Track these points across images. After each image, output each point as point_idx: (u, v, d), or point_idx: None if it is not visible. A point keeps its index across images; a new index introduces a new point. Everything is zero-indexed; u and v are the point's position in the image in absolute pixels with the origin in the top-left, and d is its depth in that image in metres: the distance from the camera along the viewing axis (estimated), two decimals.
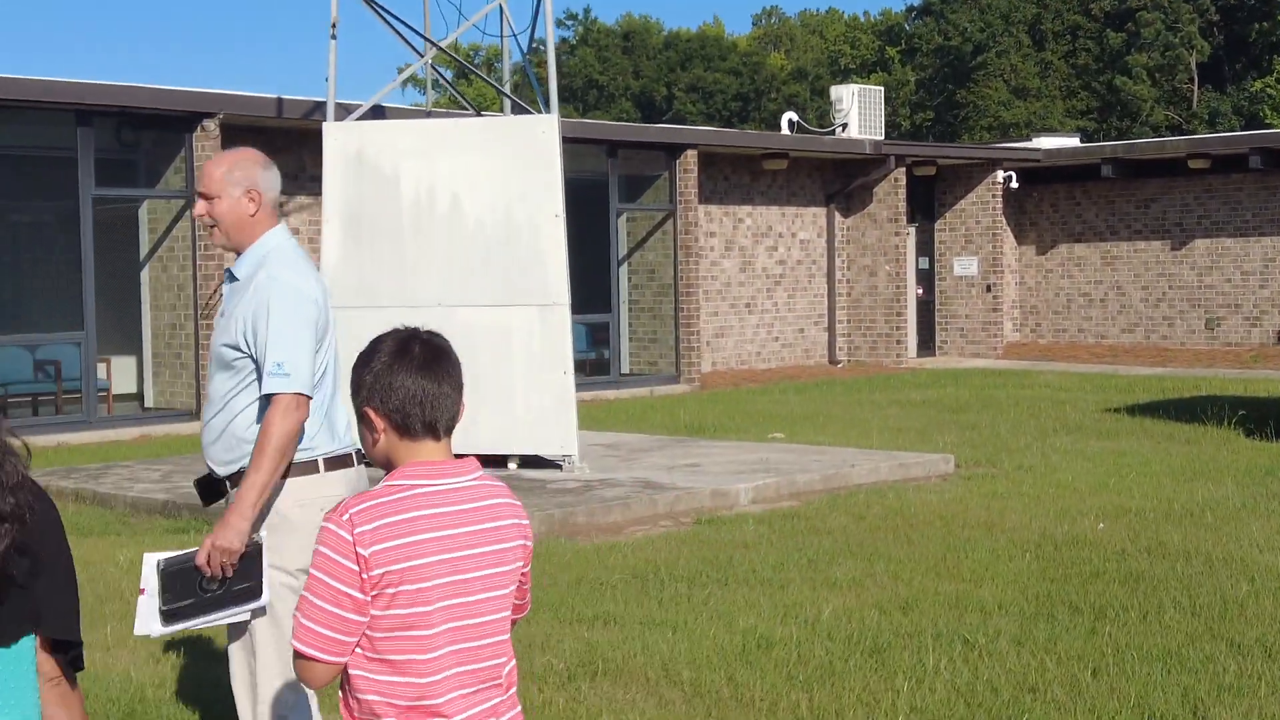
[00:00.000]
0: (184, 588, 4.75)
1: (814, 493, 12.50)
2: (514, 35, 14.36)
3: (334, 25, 14.12)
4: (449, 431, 3.17)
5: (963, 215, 29.09)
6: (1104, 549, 9.98)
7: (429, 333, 3.22)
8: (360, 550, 2.94)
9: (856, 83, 32.69)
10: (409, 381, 3.09)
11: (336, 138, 13.96)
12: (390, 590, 2.95)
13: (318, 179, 20.76)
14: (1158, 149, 28.57)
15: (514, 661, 3.21)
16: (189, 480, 13.48)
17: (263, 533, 4.81)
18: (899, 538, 10.42)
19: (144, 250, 19.68)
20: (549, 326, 13.29)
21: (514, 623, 3.25)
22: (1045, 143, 31.04)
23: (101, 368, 18.70)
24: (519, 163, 13.37)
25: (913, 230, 28.23)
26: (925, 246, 29.14)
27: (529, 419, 13.27)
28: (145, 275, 19.67)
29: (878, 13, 74.74)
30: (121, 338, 19.32)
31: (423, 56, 14.52)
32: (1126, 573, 9.26)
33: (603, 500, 11.65)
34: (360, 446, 3.65)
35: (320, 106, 19.66)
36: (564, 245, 13.30)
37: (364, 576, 2.94)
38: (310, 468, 5.00)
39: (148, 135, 19.32)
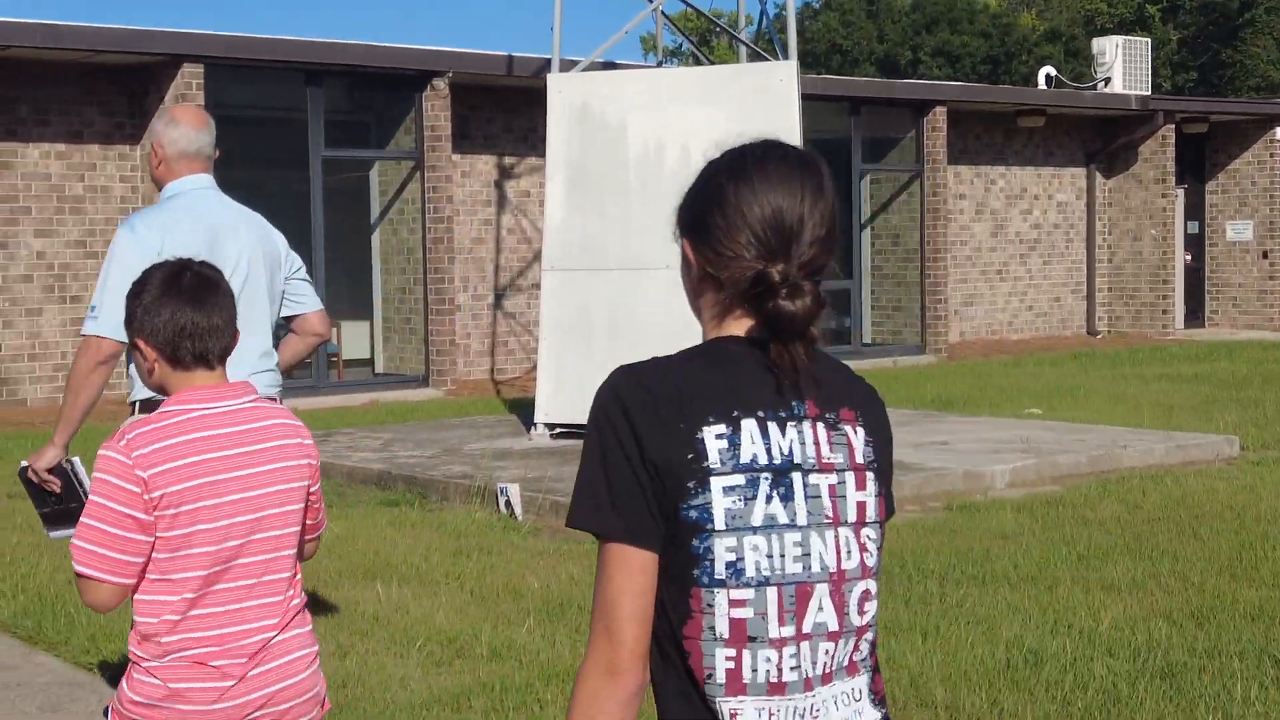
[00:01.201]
0: (36, 498, 5.19)
1: (1080, 476, 11.15)
2: None
3: None
4: (222, 360, 3.19)
5: (1237, 176, 27.03)
6: None
7: (201, 263, 3.24)
8: (139, 473, 2.97)
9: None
10: (179, 315, 3.08)
11: (561, 90, 13.09)
12: (171, 511, 2.99)
13: (544, 140, 20.16)
14: None
15: (299, 576, 3.26)
16: (408, 450, 12.84)
17: (75, 458, 5.05)
18: (1183, 532, 9.05)
19: (374, 213, 19.14)
20: None
21: (311, 541, 3.36)
22: None
23: (332, 333, 18.17)
24: (755, 112, 12.29)
25: (1181, 192, 26.26)
26: (1195, 210, 27.11)
27: None
28: (375, 239, 19.14)
29: None
30: (352, 303, 18.80)
31: (651, 3, 13.49)
32: None
33: None
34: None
35: (546, 67, 18.91)
36: None
37: (145, 498, 2.97)
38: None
39: (378, 95, 18.74)
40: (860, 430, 2.14)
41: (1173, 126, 25.43)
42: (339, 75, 17.92)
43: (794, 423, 2.08)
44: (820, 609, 2.06)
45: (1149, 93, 26.15)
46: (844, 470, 2.10)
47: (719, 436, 2.03)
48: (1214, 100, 29.04)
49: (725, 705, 2.03)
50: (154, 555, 3.00)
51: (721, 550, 2.01)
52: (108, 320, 4.82)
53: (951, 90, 23.62)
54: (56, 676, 6.66)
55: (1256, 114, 27.00)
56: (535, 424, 13.04)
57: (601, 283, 12.82)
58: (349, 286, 18.70)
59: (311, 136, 17.61)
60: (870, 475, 2.14)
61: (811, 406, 2.09)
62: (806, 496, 2.06)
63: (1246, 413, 14.59)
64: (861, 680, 2.16)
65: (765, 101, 12.30)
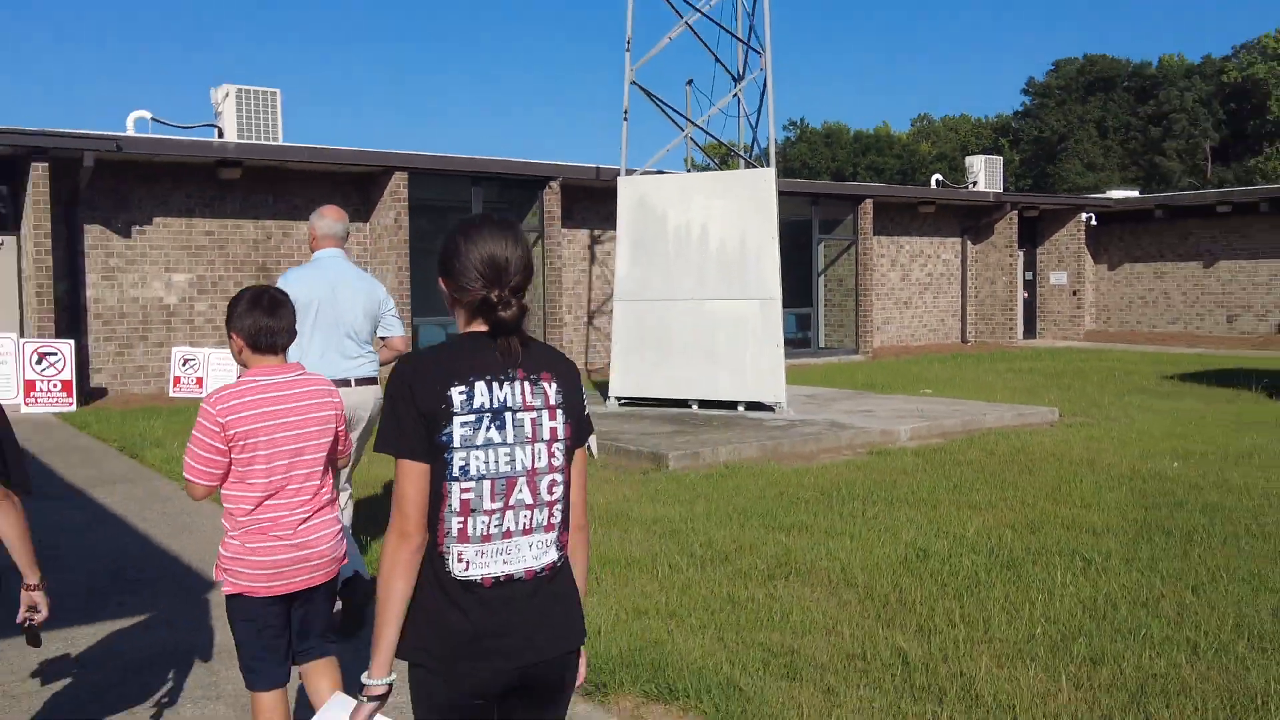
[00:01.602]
0: None
1: (956, 434, 10.67)
2: (748, 116, 12.80)
3: (625, 111, 12.84)
4: (284, 350, 3.20)
5: (1057, 243, 26.16)
6: (1181, 483, 8.01)
7: (275, 289, 3.24)
8: (219, 418, 3.05)
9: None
10: (259, 320, 3.14)
11: (626, 188, 12.71)
12: (239, 441, 3.06)
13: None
14: (1196, 198, 25.29)
15: (330, 484, 3.26)
16: None
17: None
18: (1022, 470, 8.59)
19: None
20: (767, 314, 11.79)
21: (342, 459, 3.35)
22: (1115, 194, 28.06)
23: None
24: (748, 202, 11.90)
25: (1021, 253, 25.40)
26: (1030, 264, 26.26)
27: (753, 377, 11.82)
28: None
29: (993, 115, 70.26)
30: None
31: (683, 131, 13.10)
32: (1203, 504, 7.32)
33: (801, 435, 10.08)
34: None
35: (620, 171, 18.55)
36: (777, 259, 11.79)
37: (223, 434, 3.05)
38: None
39: (514, 192, 18.43)
40: (554, 384, 2.29)
41: (1016, 212, 24.60)
42: (491, 178, 17.63)
43: (509, 382, 2.23)
44: (520, 491, 2.23)
45: (1001, 191, 25.40)
46: (541, 409, 2.25)
47: (460, 392, 2.18)
48: (1044, 195, 28.20)
49: (455, 548, 2.19)
50: (233, 468, 3.09)
51: (457, 460, 2.18)
52: None
53: (877, 189, 23.03)
54: None
55: (1069, 204, 26.07)
56: (610, 397, 12.70)
57: (649, 309, 12.45)
58: None
59: None
60: (560, 412, 2.28)
61: (520, 372, 2.25)
62: (514, 426, 2.22)
63: (1063, 393, 14.00)
64: (553, 535, 2.28)
65: (755, 195, 11.89)
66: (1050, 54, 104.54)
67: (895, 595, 5.30)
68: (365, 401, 5.30)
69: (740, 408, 11.96)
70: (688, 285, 12.17)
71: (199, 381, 10.93)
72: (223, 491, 3.14)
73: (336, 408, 3.26)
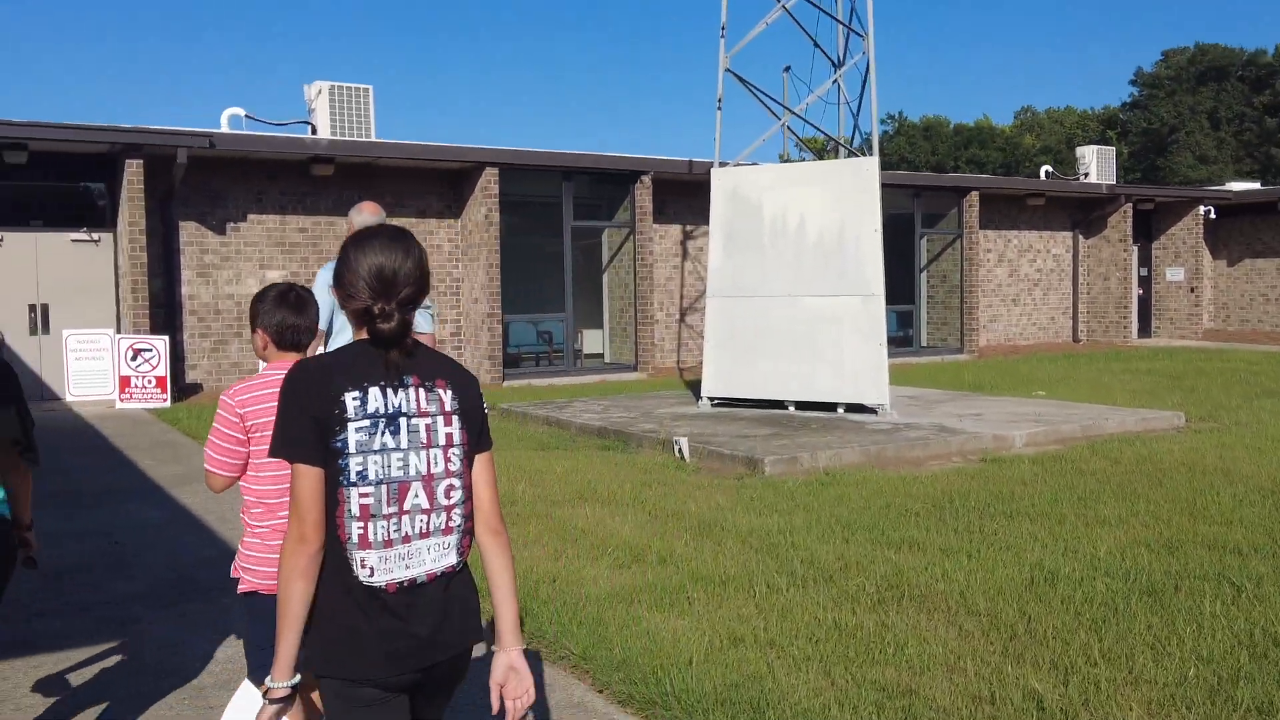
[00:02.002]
0: None
1: (1075, 440, 9.90)
2: (848, 103, 12.17)
3: (719, 100, 12.32)
4: (306, 347, 3.13)
5: (1173, 238, 24.75)
6: None
7: (301, 286, 3.17)
8: (237, 410, 2.96)
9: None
10: (285, 317, 3.08)
11: (720, 179, 12.19)
12: (257, 434, 2.95)
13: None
14: None
15: None
16: (619, 412, 12.11)
17: None
18: (1151, 481, 7.82)
19: (604, 262, 18.47)
20: (869, 310, 11.16)
21: None
22: (1235, 186, 26.54)
23: (578, 336, 17.60)
24: (848, 192, 11.28)
25: (1135, 248, 24.14)
26: (1145, 260, 24.90)
27: (854, 377, 11.21)
28: (605, 278, 18.47)
29: (1100, 107, 67.53)
30: (590, 317, 18.16)
31: (779, 120, 12.52)
32: None
33: (907, 439, 9.45)
34: None
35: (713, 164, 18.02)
36: (880, 252, 11.15)
37: (242, 425, 2.96)
38: None
39: (606, 186, 18.05)
40: (449, 391, 2.27)
41: (1130, 205, 23.36)
42: (582, 173, 17.28)
43: (403, 389, 2.21)
44: (416, 496, 2.21)
45: (1114, 183, 24.13)
46: (436, 415, 2.25)
47: (354, 398, 2.16)
48: (1158, 187, 26.77)
49: (358, 555, 2.16)
50: (250, 459, 2.98)
51: (354, 465, 2.15)
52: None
53: (983, 181, 22.03)
54: None
55: (1186, 196, 24.68)
56: (702, 397, 12.20)
57: (744, 305, 11.92)
58: (588, 308, 18.05)
59: (565, 213, 17.04)
60: (456, 418, 2.27)
61: (415, 379, 2.24)
62: (409, 431, 2.20)
63: (1186, 396, 13.03)
64: (452, 538, 2.26)
65: (857, 184, 11.27)
66: (1159, 44, 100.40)
67: (1023, 625, 4.70)
68: None
69: (840, 409, 11.36)
70: (784, 280, 11.61)
71: None
72: (242, 485, 3.05)
73: None
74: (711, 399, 12.13)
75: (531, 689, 2.32)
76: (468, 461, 2.30)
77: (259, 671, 2.96)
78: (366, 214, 5.61)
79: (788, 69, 12.88)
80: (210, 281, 14.93)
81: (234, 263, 15.08)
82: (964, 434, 9.72)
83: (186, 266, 14.74)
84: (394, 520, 2.19)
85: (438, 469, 2.24)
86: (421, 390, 2.24)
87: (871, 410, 11.24)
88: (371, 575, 2.17)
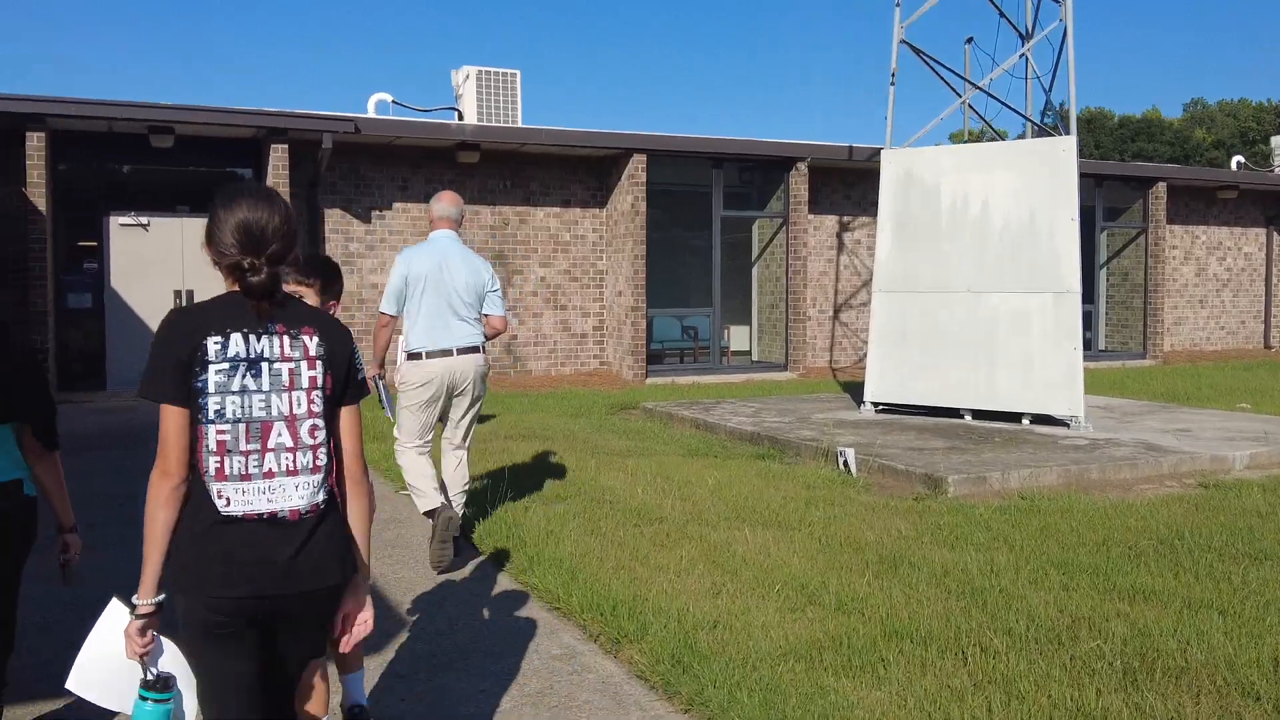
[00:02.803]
0: (384, 399, 5.91)
1: None
2: (1038, 78, 10.87)
3: (893, 74, 11.19)
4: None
5: None
6: None
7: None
8: None
9: None
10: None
11: (891, 162, 11.06)
12: None
13: (875, 205, 18.03)
14: None
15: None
16: (772, 417, 11.14)
17: (379, 378, 5.80)
18: None
19: (754, 254, 17.48)
20: (1062, 309, 9.87)
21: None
22: None
23: (724, 333, 16.66)
24: (1040, 176, 10.01)
25: None
26: None
27: (1043, 384, 9.94)
28: (754, 271, 17.49)
29: (1279, 99, 62.76)
30: (737, 313, 17.19)
31: (961, 97, 11.29)
32: None
33: (1111, 459, 8.18)
34: (427, 348, 5.69)
35: (877, 153, 16.80)
36: (1077, 243, 9.85)
37: None
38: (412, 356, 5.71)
39: (756, 174, 17.06)
40: (315, 338, 2.41)
41: None
42: (734, 160, 16.33)
43: (267, 335, 2.36)
44: (279, 435, 2.35)
45: None
46: (299, 360, 2.39)
47: (215, 343, 2.31)
48: None
49: (214, 486, 2.31)
50: None
51: (212, 404, 2.30)
52: (385, 301, 5.73)
53: (1172, 171, 20.10)
54: (502, 589, 5.27)
55: None
56: (864, 402, 11.12)
57: (916, 302, 10.78)
58: (735, 303, 17.08)
59: (714, 202, 16.13)
60: (320, 363, 2.41)
61: (280, 326, 2.38)
62: (270, 375, 2.35)
63: None
64: (318, 477, 2.39)
65: (1050, 167, 9.99)
66: None
67: None
68: (466, 368, 5.73)
69: (1024, 420, 10.11)
70: (964, 274, 10.43)
71: None
72: None
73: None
74: (875, 404, 11.04)
75: (371, 621, 2.53)
76: (332, 406, 2.44)
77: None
78: (445, 203, 5.85)
79: (970, 41, 11.64)
80: (355, 270, 14.60)
81: (378, 251, 14.73)
82: (1175, 453, 8.38)
83: (332, 254, 14.43)
84: (254, 456, 2.32)
85: (300, 410, 2.37)
86: (286, 337, 2.37)
87: (1061, 423, 9.96)
88: (228, 505, 2.31)
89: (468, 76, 15.64)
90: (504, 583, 5.37)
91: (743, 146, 15.97)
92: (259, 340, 2.36)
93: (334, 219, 14.48)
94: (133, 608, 2.35)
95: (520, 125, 15.09)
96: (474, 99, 15.51)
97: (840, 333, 17.92)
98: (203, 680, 2.38)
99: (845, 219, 17.88)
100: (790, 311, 16.50)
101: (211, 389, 2.31)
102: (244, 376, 2.33)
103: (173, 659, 2.42)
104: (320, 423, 2.40)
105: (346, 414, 2.48)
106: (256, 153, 14.12)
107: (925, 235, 10.71)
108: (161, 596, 2.34)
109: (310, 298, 3.35)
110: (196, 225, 13.88)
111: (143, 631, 2.34)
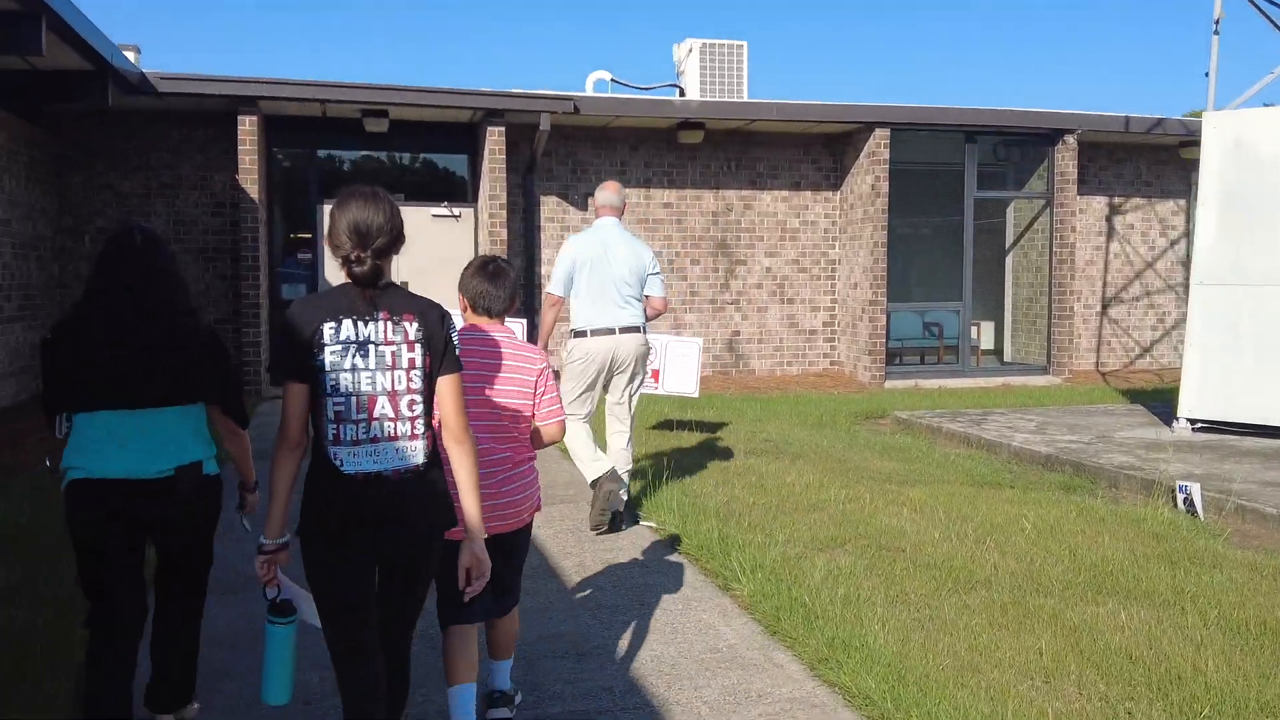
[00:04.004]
0: None
1: None
2: None
3: (1217, 22, 9.22)
4: (500, 316, 3.42)
5: None
6: None
7: (500, 258, 3.49)
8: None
9: None
10: (481, 284, 3.41)
11: (1215, 126, 9.12)
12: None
13: (1151, 184, 15.74)
14: None
15: (527, 442, 3.44)
16: (1063, 434, 9.39)
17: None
18: None
19: (1008, 241, 15.55)
20: None
21: (537, 426, 3.46)
22: None
23: (973, 330, 14.84)
24: None
25: None
26: None
27: None
28: (1008, 260, 15.56)
29: None
30: (983, 307, 15.31)
31: None
32: None
33: None
34: (592, 326, 6.02)
35: (1158, 123, 14.57)
36: None
37: None
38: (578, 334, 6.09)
39: (1014, 149, 15.12)
40: (415, 324, 2.79)
41: None
42: (990, 133, 14.48)
43: (372, 321, 2.75)
44: (383, 408, 2.74)
45: None
46: (400, 344, 2.77)
47: (330, 327, 2.71)
48: None
49: (332, 449, 2.72)
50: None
51: (328, 380, 2.70)
52: (553, 284, 6.09)
53: None
54: (796, 689, 3.96)
55: None
56: (1177, 418, 9.24)
57: (1250, 297, 8.83)
58: (983, 296, 15.21)
59: (967, 181, 14.33)
60: (419, 345, 2.79)
61: (385, 314, 2.76)
62: (376, 355, 2.74)
63: None
64: (416, 443, 2.78)
65: None
66: None
67: None
68: (627, 346, 6.05)
69: None
70: None
71: (654, 375, 9.10)
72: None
73: (536, 374, 3.43)
74: (1192, 421, 9.15)
75: (488, 571, 2.93)
76: (430, 382, 2.82)
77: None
78: (609, 192, 6.20)
79: None
80: None
81: None
82: None
83: (547, 245, 13.56)
84: (363, 425, 2.73)
85: (400, 387, 2.76)
86: (389, 323, 2.77)
87: None
88: (342, 465, 2.72)
89: (690, 50, 14.44)
90: (795, 673, 4.06)
91: (1000, 117, 14.10)
92: (366, 326, 2.75)
93: (549, 206, 13.58)
94: (260, 547, 2.79)
95: (747, 100, 13.76)
96: (697, 74, 14.29)
97: (1109, 331, 15.76)
98: (321, 604, 2.78)
99: (1115, 200, 15.69)
100: (1054, 306, 14.52)
101: (328, 367, 2.70)
102: (354, 356, 2.73)
103: (295, 593, 2.86)
104: (419, 398, 2.79)
105: (445, 383, 2.84)
106: (471, 138, 13.37)
107: (1263, 215, 8.74)
108: (285, 538, 2.81)
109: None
110: (411, 215, 13.15)
111: (267, 566, 2.80)
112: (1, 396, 10.25)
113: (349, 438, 2.72)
